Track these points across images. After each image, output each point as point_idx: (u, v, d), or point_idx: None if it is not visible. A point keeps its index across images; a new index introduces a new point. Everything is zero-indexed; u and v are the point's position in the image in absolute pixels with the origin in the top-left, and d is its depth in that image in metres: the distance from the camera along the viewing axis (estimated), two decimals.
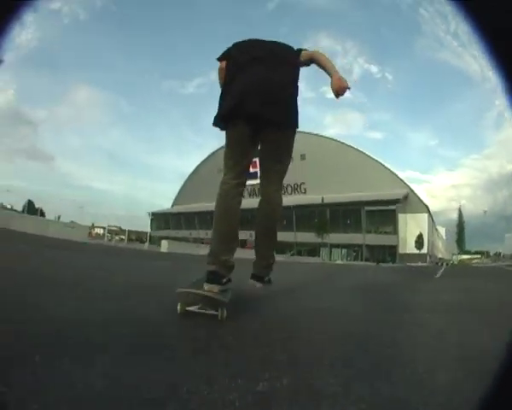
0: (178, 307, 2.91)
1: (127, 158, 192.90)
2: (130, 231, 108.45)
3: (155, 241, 64.54)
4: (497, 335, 2.54)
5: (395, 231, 72.98)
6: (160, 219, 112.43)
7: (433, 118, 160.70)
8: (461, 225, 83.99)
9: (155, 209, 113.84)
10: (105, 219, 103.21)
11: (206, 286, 2.91)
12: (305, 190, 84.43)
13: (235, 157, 3.33)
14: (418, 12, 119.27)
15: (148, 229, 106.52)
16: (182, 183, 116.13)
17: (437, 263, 68.18)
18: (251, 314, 3.43)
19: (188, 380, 1.58)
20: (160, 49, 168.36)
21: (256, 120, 3.14)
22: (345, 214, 76.65)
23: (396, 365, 2.03)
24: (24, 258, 7.11)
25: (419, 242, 71.51)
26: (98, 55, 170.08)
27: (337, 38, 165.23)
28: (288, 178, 58.15)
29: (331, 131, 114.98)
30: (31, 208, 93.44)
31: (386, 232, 73.94)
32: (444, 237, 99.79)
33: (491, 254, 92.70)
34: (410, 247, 71.71)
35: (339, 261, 60.96)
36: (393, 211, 72.47)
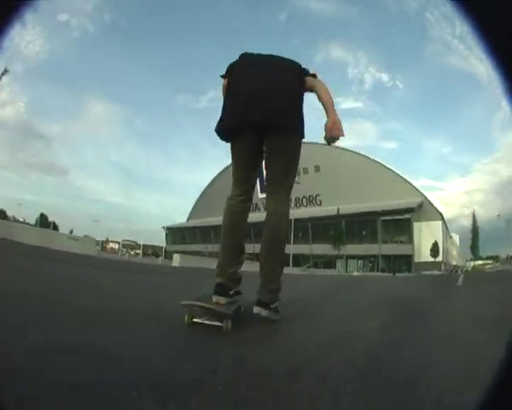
0: (186, 319, 3.00)
1: (142, 172, 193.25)
2: (146, 246, 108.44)
3: (171, 255, 65.05)
4: None
5: (410, 240, 72.86)
6: (176, 234, 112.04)
7: (445, 124, 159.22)
8: (475, 230, 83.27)
9: (170, 223, 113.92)
10: (120, 234, 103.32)
11: (214, 298, 3.05)
12: (320, 201, 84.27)
13: (239, 173, 3.39)
14: (425, 16, 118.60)
15: (163, 243, 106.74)
16: (197, 196, 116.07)
17: (451, 271, 67.47)
18: (256, 327, 3.27)
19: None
20: (172, 63, 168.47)
21: (259, 128, 3.12)
22: (360, 225, 76.20)
23: None
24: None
25: (434, 250, 70.97)
26: (108, 69, 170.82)
27: (348, 48, 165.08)
28: (304, 191, 59.26)
29: (345, 143, 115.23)
30: (44, 222, 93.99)
31: (401, 242, 74.01)
32: (458, 244, 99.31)
33: (503, 258, 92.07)
34: (424, 255, 71.21)
35: (355, 273, 60.14)
36: (409, 220, 72.56)
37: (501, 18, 1.10)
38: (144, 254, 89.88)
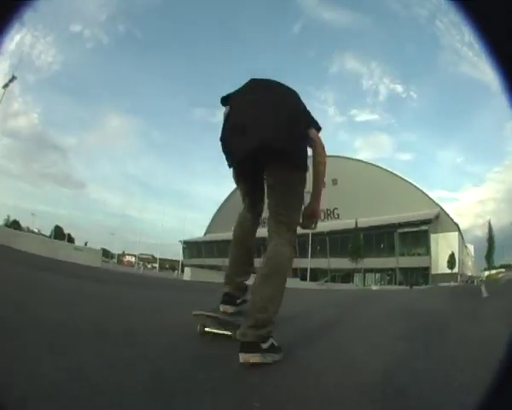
0: (198, 328, 3.16)
1: (159, 185, 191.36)
2: (163, 260, 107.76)
3: None
4: None
5: (427, 252, 72.10)
6: (193, 248, 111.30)
7: (457, 133, 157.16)
8: (491, 239, 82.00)
9: (187, 237, 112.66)
10: (137, 247, 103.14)
11: (222, 307, 3.14)
12: (338, 215, 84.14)
13: (243, 193, 3.38)
14: (435, 24, 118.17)
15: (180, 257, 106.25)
16: (215, 211, 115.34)
17: (467, 281, 67.05)
18: None
19: None
20: (188, 75, 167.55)
21: (258, 154, 2.87)
22: (378, 238, 75.81)
23: None
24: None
25: (451, 261, 70.07)
26: (123, 80, 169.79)
27: (362, 59, 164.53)
28: (321, 204, 60.28)
29: (362, 155, 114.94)
30: (59, 233, 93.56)
31: (418, 254, 73.32)
32: (472, 254, 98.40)
33: None
34: (441, 267, 70.34)
35: (374, 287, 60.05)
36: (426, 232, 71.89)
37: (501, 18, 1.12)
38: (161, 267, 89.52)
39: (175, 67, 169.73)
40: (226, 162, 3.11)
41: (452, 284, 58.18)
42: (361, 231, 72.57)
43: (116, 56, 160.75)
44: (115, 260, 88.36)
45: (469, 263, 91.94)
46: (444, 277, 65.52)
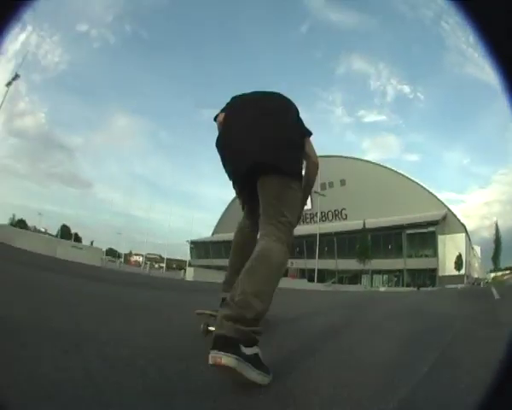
0: (201, 327, 3.14)
1: (167, 185, 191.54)
2: (170, 260, 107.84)
3: None
4: None
5: (435, 254, 71.65)
6: (200, 248, 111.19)
7: (464, 135, 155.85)
8: (498, 240, 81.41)
9: (195, 237, 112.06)
10: (144, 247, 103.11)
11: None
12: (345, 215, 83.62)
13: (242, 201, 3.52)
14: (440, 25, 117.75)
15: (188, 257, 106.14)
16: (222, 211, 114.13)
17: (473, 283, 66.83)
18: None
19: None
20: (194, 77, 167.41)
21: (252, 174, 2.83)
22: (386, 239, 75.26)
23: None
24: None
25: (458, 263, 69.41)
26: (131, 81, 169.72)
27: (369, 60, 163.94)
28: (329, 205, 58.96)
29: (370, 156, 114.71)
30: (65, 232, 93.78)
31: (426, 255, 72.85)
32: (479, 256, 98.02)
33: None
34: (448, 269, 69.78)
35: (381, 288, 59.76)
36: (433, 233, 71.43)
37: (501, 18, 1.12)
38: (168, 267, 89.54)
39: (182, 68, 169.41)
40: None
41: (459, 286, 57.93)
42: (369, 231, 71.87)
43: (123, 56, 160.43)
44: (122, 260, 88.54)
45: (476, 265, 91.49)
46: (450, 278, 65.02)
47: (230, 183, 3.23)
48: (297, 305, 6.79)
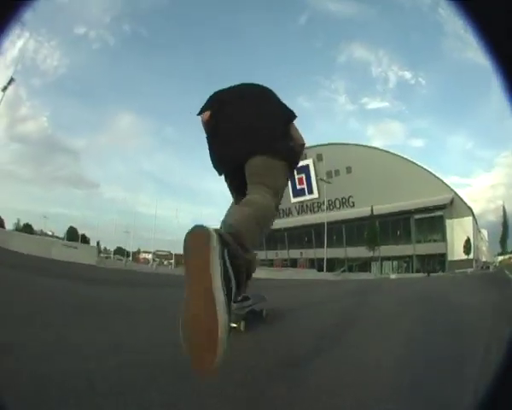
0: None
1: (174, 182, 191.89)
2: (179, 256, 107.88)
3: None
4: None
5: (443, 238, 71.63)
6: None
7: (466, 119, 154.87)
8: (505, 223, 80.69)
9: None
10: (153, 244, 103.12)
11: None
12: (353, 203, 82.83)
13: (232, 188, 3.39)
14: (437, 12, 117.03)
15: None
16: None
17: (482, 267, 67.11)
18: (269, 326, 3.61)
19: None
20: (195, 74, 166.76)
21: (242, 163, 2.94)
22: (394, 225, 75.33)
23: None
24: None
25: (467, 247, 68.96)
26: (133, 80, 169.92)
27: (369, 48, 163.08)
28: (336, 193, 58.65)
29: (375, 143, 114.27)
30: (72, 234, 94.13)
31: (434, 240, 72.81)
32: (486, 239, 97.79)
33: None
34: (457, 253, 69.50)
35: (392, 275, 58.68)
36: (441, 217, 71.38)
37: (501, 18, 1.12)
38: (178, 263, 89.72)
39: (182, 64, 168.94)
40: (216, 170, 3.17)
41: (469, 270, 57.80)
42: (377, 218, 71.60)
43: (123, 56, 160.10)
44: (130, 258, 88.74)
45: (484, 248, 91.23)
46: (459, 263, 64.94)
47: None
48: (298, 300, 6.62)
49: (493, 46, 1.12)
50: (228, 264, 1.77)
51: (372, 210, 70.93)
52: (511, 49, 1.10)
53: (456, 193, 74.30)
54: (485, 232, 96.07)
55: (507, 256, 77.24)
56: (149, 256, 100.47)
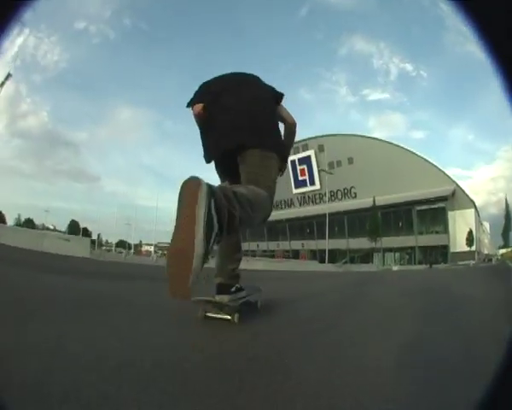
0: (199, 313, 3.20)
1: (174, 174, 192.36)
2: None
3: None
4: None
5: (446, 230, 71.32)
6: None
7: (467, 111, 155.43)
8: (508, 215, 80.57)
9: None
10: (155, 236, 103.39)
11: (217, 297, 3.13)
12: (355, 194, 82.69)
13: (224, 178, 3.45)
14: (439, 6, 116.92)
15: None
16: None
17: (484, 260, 67.23)
18: (264, 318, 3.53)
19: None
20: (195, 67, 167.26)
21: (236, 151, 3.11)
22: (396, 216, 75.24)
23: None
24: None
25: (469, 239, 68.57)
26: (132, 73, 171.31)
27: (370, 40, 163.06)
28: (338, 184, 58.73)
29: (376, 135, 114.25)
30: (74, 228, 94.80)
31: (436, 232, 72.42)
32: (488, 232, 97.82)
33: None
34: (459, 245, 69.27)
35: (394, 267, 58.42)
36: (443, 209, 71.16)
37: (501, 18, 1.11)
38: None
39: (182, 57, 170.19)
40: (209, 162, 3.32)
41: (472, 262, 58.07)
42: (379, 209, 71.65)
43: (122, 50, 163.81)
44: (132, 251, 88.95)
45: (486, 241, 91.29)
46: (462, 255, 65.28)
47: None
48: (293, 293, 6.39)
49: (493, 46, 1.12)
50: (213, 211, 2.03)
51: (374, 201, 70.79)
52: (511, 49, 1.10)
53: (457, 185, 74.00)
54: (486, 225, 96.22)
55: (510, 249, 77.21)
56: (151, 249, 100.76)
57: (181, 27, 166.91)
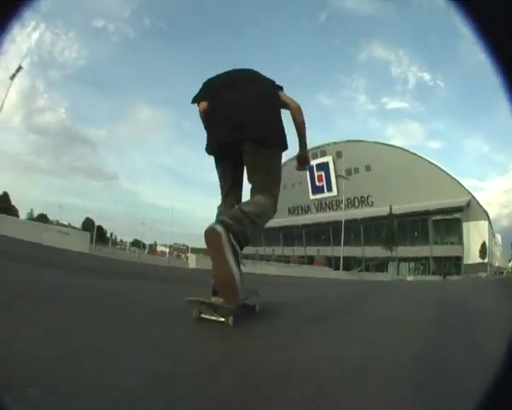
0: (193, 314, 3.09)
1: (191, 175, 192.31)
2: (196, 249, 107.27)
3: None
4: None
5: (460, 241, 70.90)
6: None
7: (483, 122, 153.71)
8: None
9: None
10: (171, 237, 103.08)
11: (213, 299, 3.06)
12: (372, 202, 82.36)
13: (224, 188, 3.49)
14: (454, 14, 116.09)
15: None
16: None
17: (495, 272, 66.38)
18: (260, 322, 3.46)
19: None
20: (215, 67, 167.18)
21: (239, 145, 3.15)
22: (412, 226, 74.56)
23: None
24: None
25: (483, 251, 68.76)
26: (151, 72, 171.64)
27: (389, 47, 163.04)
28: (355, 191, 58.58)
29: (394, 143, 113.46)
30: (89, 225, 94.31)
31: (451, 243, 71.99)
32: (500, 244, 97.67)
33: None
34: (472, 257, 69.12)
35: (409, 277, 58.09)
36: (458, 220, 70.83)
37: (501, 18, 1.11)
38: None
39: (203, 57, 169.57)
40: (211, 154, 3.45)
41: (484, 274, 57.91)
42: (395, 218, 70.71)
43: (143, 49, 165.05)
44: (147, 251, 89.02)
45: (497, 253, 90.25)
46: (474, 267, 64.96)
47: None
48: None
49: (493, 46, 1.14)
50: (233, 241, 2.63)
51: (391, 209, 70.30)
52: (511, 49, 1.12)
53: (472, 196, 73.66)
54: (498, 237, 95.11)
55: None
56: (166, 249, 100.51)
57: (203, 28, 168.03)
